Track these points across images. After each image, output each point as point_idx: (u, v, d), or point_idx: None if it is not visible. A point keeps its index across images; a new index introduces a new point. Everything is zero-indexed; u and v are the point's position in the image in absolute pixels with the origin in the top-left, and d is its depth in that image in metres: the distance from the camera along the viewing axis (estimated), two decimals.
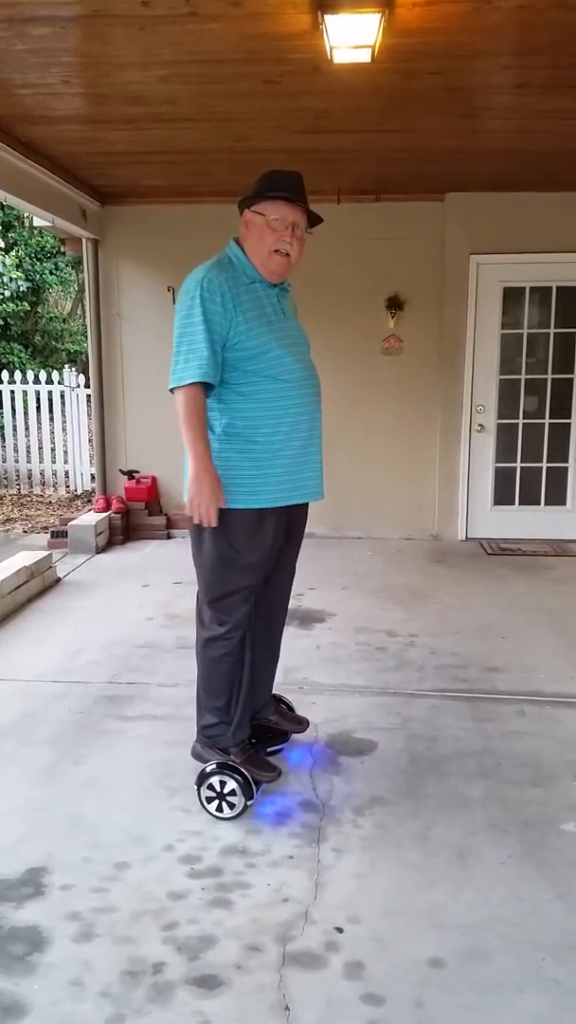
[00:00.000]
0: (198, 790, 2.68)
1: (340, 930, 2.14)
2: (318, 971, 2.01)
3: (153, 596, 5.02)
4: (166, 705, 3.48)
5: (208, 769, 2.68)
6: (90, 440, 8.01)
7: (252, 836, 2.56)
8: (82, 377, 8.63)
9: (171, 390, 2.57)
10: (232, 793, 2.63)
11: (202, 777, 2.68)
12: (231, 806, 2.63)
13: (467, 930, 2.15)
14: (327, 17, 3.12)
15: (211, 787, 2.65)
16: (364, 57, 3.40)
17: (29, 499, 8.68)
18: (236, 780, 2.63)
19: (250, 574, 2.70)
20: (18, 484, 9.03)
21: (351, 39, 3.26)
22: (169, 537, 6.61)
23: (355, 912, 2.21)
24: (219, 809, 2.64)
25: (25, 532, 7.29)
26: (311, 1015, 1.88)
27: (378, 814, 2.68)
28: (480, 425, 6.47)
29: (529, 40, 3.44)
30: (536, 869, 2.40)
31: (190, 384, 2.51)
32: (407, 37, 3.35)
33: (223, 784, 2.64)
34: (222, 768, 2.66)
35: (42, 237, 12.86)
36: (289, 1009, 1.89)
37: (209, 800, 2.66)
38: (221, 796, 2.64)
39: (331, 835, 2.56)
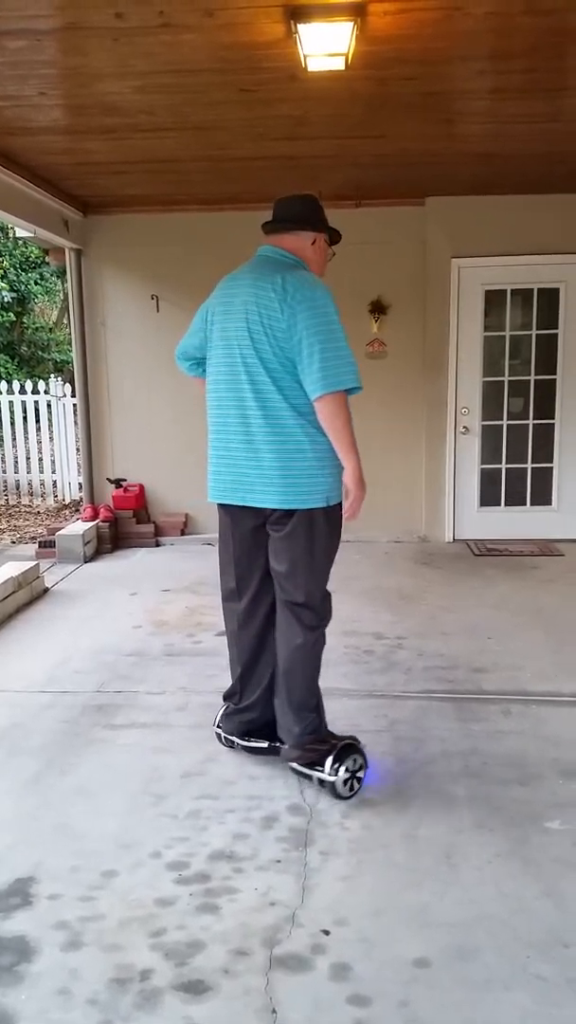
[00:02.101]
0: (333, 781, 2.73)
1: (327, 932, 2.15)
2: (305, 974, 2.01)
3: (142, 604, 5.02)
4: (154, 712, 3.48)
5: (339, 754, 2.75)
6: (77, 449, 8.00)
7: (239, 841, 2.56)
8: (68, 387, 8.62)
9: (321, 395, 2.58)
10: (359, 764, 2.81)
11: (336, 763, 2.73)
12: (361, 776, 2.82)
13: (454, 929, 2.16)
14: (300, 26, 3.15)
15: (347, 770, 2.75)
16: (338, 65, 3.43)
17: (17, 509, 8.67)
18: (361, 755, 2.83)
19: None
20: (5, 495, 9.02)
21: (324, 47, 3.29)
22: (157, 545, 6.60)
23: (342, 914, 2.22)
24: (357, 788, 2.79)
25: (13, 543, 7.28)
26: (298, 1017, 1.88)
27: (365, 816, 2.69)
28: (465, 427, 6.50)
29: (501, 45, 3.48)
30: (522, 867, 2.41)
31: (346, 390, 2.59)
32: (380, 44, 3.38)
33: (355, 763, 2.79)
34: (351, 749, 2.79)
35: (27, 248, 12.87)
36: (276, 1012, 1.90)
37: (347, 784, 2.76)
38: (353, 775, 2.79)
39: (318, 838, 2.57)
